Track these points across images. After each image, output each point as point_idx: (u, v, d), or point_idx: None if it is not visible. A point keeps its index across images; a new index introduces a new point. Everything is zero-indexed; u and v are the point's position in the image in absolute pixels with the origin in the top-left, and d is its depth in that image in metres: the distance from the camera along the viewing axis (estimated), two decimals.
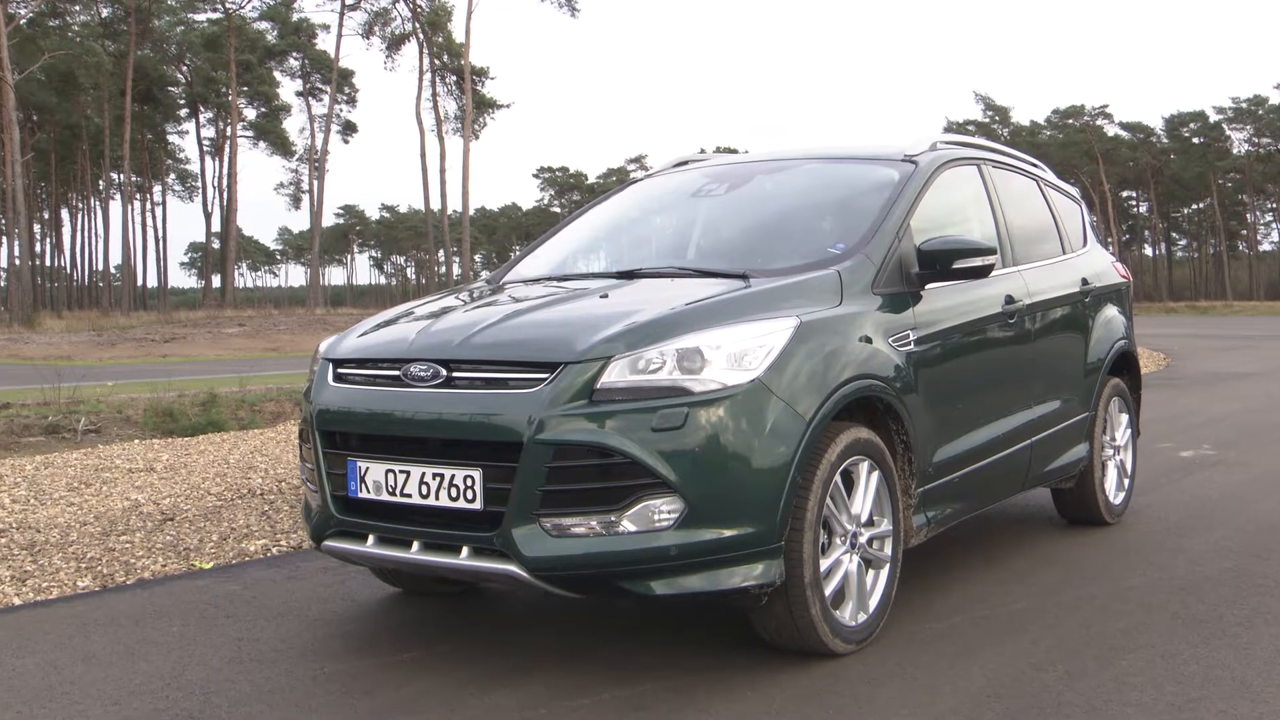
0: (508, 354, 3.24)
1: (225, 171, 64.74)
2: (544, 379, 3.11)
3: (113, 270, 69.53)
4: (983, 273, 4.02)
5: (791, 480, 3.16)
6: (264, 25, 61.97)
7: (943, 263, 3.91)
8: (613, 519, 3.02)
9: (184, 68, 63.50)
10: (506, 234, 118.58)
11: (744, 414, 3.10)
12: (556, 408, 3.05)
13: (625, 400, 3.05)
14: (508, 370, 3.20)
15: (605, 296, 3.65)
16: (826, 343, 3.39)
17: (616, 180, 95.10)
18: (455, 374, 3.26)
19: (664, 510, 3.02)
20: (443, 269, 67.75)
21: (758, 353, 3.18)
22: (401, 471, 3.26)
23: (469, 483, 3.13)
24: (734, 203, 4.65)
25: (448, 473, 3.17)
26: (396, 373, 3.38)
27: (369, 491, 3.35)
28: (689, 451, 3.02)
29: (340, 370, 3.60)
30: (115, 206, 77.52)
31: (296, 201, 77.01)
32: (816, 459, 3.27)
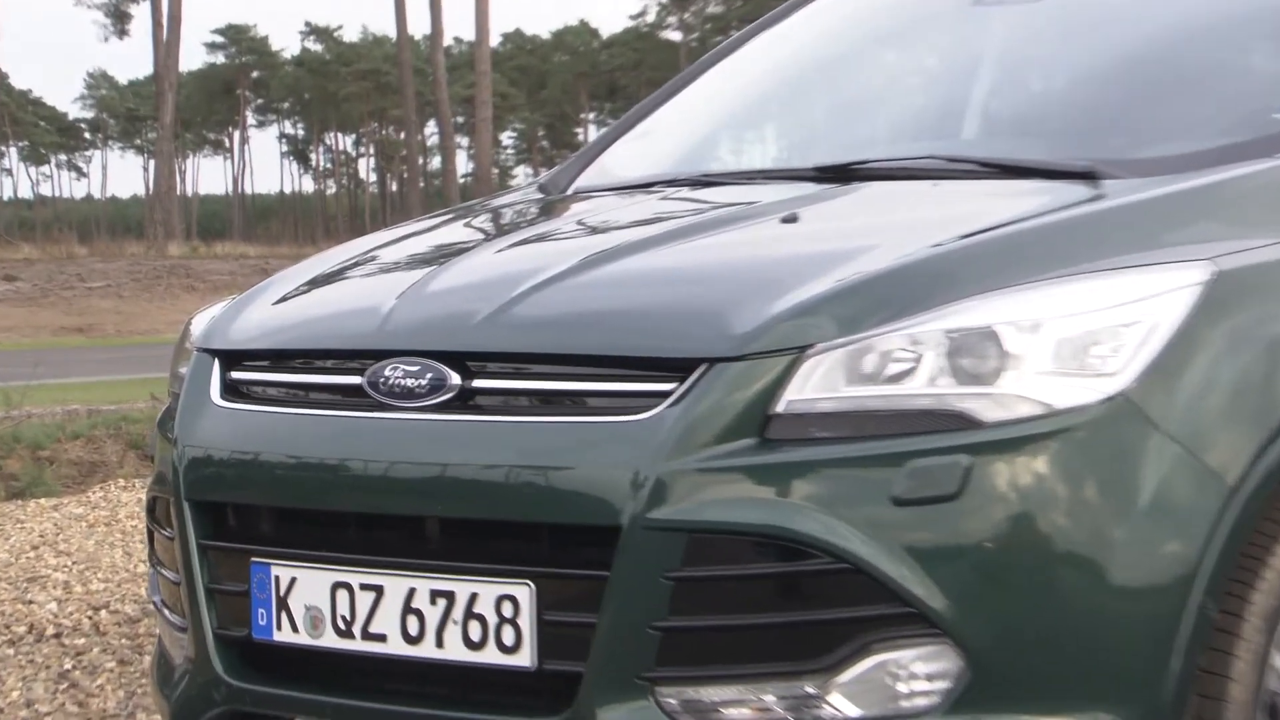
0: (586, 343, 3.31)
1: None
2: (666, 394, 3.15)
3: None
4: None
5: (1198, 616, 3.15)
6: None
7: None
8: (811, 692, 3.05)
9: None
10: (568, 90, 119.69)
11: (1091, 471, 3.12)
12: (691, 454, 3.09)
13: (836, 440, 3.10)
14: (588, 375, 3.27)
15: (790, 221, 3.73)
16: (1271, 318, 3.37)
17: None
18: (478, 383, 3.33)
19: (920, 674, 3.06)
20: (435, 162, 68.57)
21: (1119, 339, 3.18)
22: (365, 588, 3.33)
23: (506, 612, 3.19)
24: (1061, 20, 4.71)
25: (462, 590, 3.23)
26: (356, 380, 3.46)
27: (295, 629, 3.43)
28: (973, 550, 3.05)
29: (237, 375, 3.71)
30: None
31: (121, 22, 78.59)
32: (1252, 569, 3.26)
